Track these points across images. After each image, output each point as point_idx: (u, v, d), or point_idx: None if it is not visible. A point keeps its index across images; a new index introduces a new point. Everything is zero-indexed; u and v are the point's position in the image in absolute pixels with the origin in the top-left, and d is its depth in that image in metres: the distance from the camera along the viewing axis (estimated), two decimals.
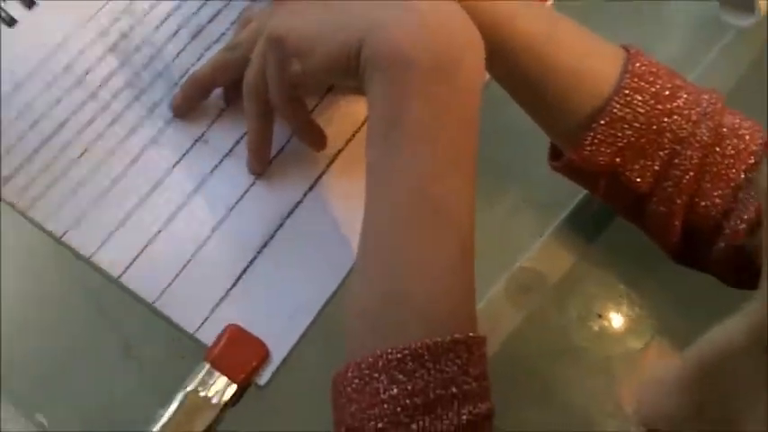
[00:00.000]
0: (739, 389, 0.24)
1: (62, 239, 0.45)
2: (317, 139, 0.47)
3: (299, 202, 0.47)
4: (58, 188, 0.46)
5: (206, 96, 0.48)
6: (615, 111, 0.42)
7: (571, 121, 0.43)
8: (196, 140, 0.47)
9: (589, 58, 0.43)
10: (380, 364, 0.35)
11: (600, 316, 0.52)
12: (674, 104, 0.42)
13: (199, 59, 0.49)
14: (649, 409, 0.26)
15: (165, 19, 0.50)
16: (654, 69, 0.43)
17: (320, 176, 0.47)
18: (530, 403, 0.51)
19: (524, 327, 0.50)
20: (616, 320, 0.52)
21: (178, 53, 0.49)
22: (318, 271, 0.46)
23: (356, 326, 0.38)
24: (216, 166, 0.47)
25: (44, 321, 0.48)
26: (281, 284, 0.45)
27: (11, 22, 0.49)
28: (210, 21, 0.50)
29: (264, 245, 0.46)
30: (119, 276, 0.44)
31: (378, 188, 0.39)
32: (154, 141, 0.47)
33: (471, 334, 0.36)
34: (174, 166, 0.47)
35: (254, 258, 0.45)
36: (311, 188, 0.47)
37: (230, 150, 0.47)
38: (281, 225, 0.46)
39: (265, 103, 0.44)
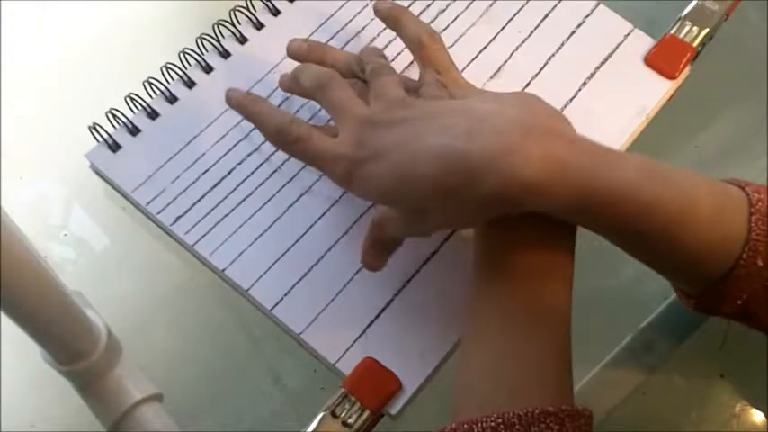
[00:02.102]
0: None
1: (224, 272, 0.50)
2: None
3: (435, 252, 0.51)
4: (222, 226, 0.52)
5: (318, 63, 0.52)
6: (742, 266, 0.40)
7: (695, 281, 0.43)
8: (345, 192, 0.52)
9: (718, 226, 0.41)
10: (475, 430, 0.38)
11: (722, 376, 0.52)
12: None
13: None
14: None
15: None
16: None
17: (455, 230, 0.51)
18: None
19: (647, 384, 0.52)
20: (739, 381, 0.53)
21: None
22: (449, 315, 0.49)
23: (457, 395, 0.42)
24: (361, 215, 0.52)
25: (203, 349, 0.53)
26: (415, 324, 0.49)
27: (190, 84, 0.56)
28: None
29: (402, 287, 0.50)
30: (271, 309, 0.49)
31: (483, 278, 0.43)
32: (308, 190, 0.53)
33: (564, 407, 0.38)
34: (324, 213, 0.52)
35: (392, 299, 0.50)
36: (447, 239, 0.51)
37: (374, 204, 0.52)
38: (417, 271, 0.50)
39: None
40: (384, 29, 0.56)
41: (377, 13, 0.54)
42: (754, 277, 0.40)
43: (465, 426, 0.38)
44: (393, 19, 0.53)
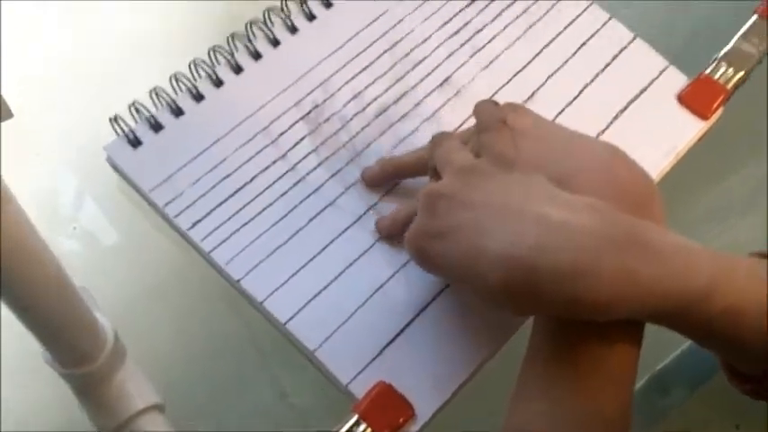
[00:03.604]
0: None
1: (239, 283, 0.49)
2: None
3: None
4: (240, 235, 0.50)
5: (398, 179, 0.52)
6: None
7: (751, 365, 0.42)
8: (370, 207, 0.51)
9: None
10: None
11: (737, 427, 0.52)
12: None
13: (381, 134, 0.54)
14: None
15: (354, 97, 0.55)
16: None
17: None
18: None
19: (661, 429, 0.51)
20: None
21: (363, 128, 0.54)
22: (467, 343, 0.48)
23: None
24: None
25: (208, 358, 0.51)
26: (433, 349, 0.48)
27: (218, 83, 0.54)
28: (395, 102, 0.55)
29: (422, 311, 0.48)
30: (285, 323, 0.48)
31: (539, 365, 0.42)
32: (332, 203, 0.51)
33: None
34: (347, 228, 0.51)
35: (411, 322, 0.48)
36: None
37: None
38: (439, 293, 0.49)
39: None
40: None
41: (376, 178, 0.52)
42: None
43: None
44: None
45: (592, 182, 0.42)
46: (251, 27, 0.56)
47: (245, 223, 0.50)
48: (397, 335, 0.48)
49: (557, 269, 0.37)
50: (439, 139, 0.47)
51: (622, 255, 0.37)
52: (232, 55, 0.55)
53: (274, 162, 0.52)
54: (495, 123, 0.44)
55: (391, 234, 0.50)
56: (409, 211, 0.48)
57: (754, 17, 0.60)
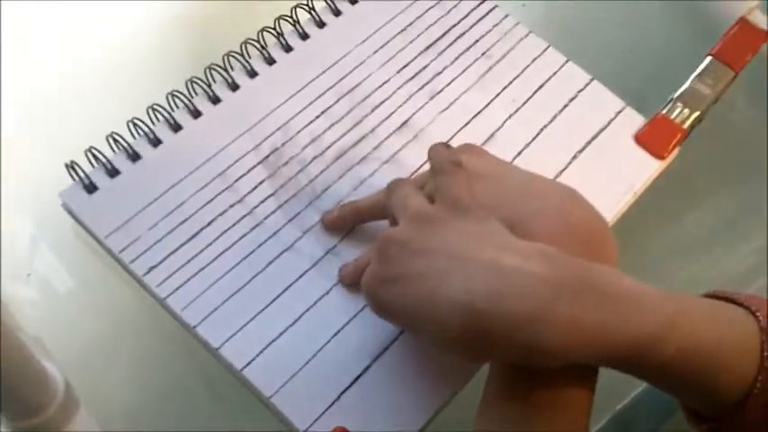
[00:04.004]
0: None
1: (195, 329, 0.48)
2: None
3: None
4: (197, 280, 0.49)
5: (358, 224, 0.52)
6: (757, 395, 0.39)
7: (708, 407, 0.42)
8: (328, 251, 0.51)
9: (737, 359, 0.40)
10: None
11: None
12: None
13: (341, 177, 0.53)
14: None
15: (313, 140, 0.55)
16: None
17: None
18: None
19: None
20: None
21: (322, 171, 0.54)
22: (425, 387, 0.47)
23: None
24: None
25: (164, 404, 0.51)
26: (390, 395, 0.47)
27: (176, 128, 0.54)
28: (354, 145, 0.55)
29: (379, 355, 0.48)
30: (242, 369, 0.47)
31: (496, 403, 0.42)
32: (290, 247, 0.51)
33: None
34: (305, 273, 0.50)
35: (369, 367, 0.48)
36: None
37: None
38: (396, 338, 0.49)
39: None
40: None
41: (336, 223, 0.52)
42: None
43: None
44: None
45: (546, 224, 0.43)
46: (210, 71, 0.56)
47: (202, 269, 0.50)
48: (355, 380, 0.47)
49: (509, 317, 0.37)
50: (395, 184, 0.47)
51: (574, 302, 0.37)
52: (190, 99, 0.55)
53: (232, 206, 0.52)
54: (449, 166, 0.44)
55: (354, 281, 0.50)
56: (363, 205, 0.49)
57: (708, 59, 0.61)
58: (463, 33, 0.60)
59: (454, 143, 0.54)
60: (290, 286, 0.50)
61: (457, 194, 0.43)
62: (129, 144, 0.53)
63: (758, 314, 0.40)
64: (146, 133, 0.53)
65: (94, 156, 0.52)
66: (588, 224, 0.44)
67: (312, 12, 0.59)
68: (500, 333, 0.37)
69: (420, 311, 0.40)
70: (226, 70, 0.56)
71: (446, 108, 0.57)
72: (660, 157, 0.58)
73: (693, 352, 0.39)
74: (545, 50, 0.61)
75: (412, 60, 0.59)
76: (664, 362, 0.39)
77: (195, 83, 0.55)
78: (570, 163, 0.56)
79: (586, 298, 0.38)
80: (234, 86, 0.56)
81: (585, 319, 0.37)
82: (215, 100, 0.55)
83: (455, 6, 0.61)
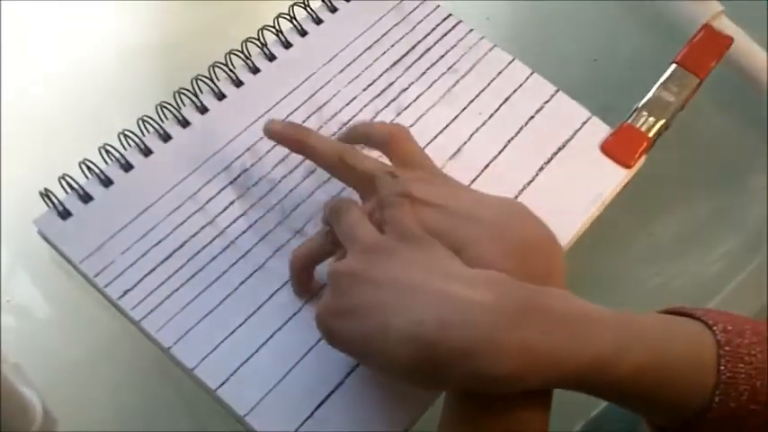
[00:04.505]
0: None
1: (170, 350, 0.49)
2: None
3: None
4: (171, 302, 0.50)
5: (311, 269, 0.51)
6: (716, 409, 0.40)
7: (667, 419, 0.42)
8: None
9: (691, 375, 0.40)
10: None
11: None
12: None
13: (310, 195, 0.54)
14: None
15: (282, 159, 0.56)
16: (739, 339, 0.40)
17: None
18: None
19: None
20: None
21: (291, 190, 0.55)
22: (399, 400, 0.48)
23: None
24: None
25: (144, 429, 0.51)
26: (365, 408, 0.48)
27: (147, 152, 0.55)
28: None
29: (353, 369, 0.49)
30: (216, 389, 0.48)
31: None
32: (261, 267, 0.52)
33: None
34: (276, 292, 0.51)
35: (342, 381, 0.48)
36: None
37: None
38: None
39: None
40: None
41: (277, 137, 0.52)
42: (727, 419, 0.40)
43: None
44: (348, 136, 0.53)
45: (488, 246, 0.43)
46: (179, 95, 0.57)
47: (175, 290, 0.51)
48: (329, 395, 0.48)
49: (458, 347, 0.38)
50: (338, 208, 0.47)
51: (521, 329, 0.38)
52: (160, 124, 0.56)
53: (203, 228, 0.53)
54: (397, 198, 0.45)
55: (305, 266, 0.50)
56: (321, 242, 0.49)
57: (673, 66, 0.62)
58: (429, 49, 0.61)
59: None
60: (262, 305, 0.51)
61: (406, 225, 0.43)
62: (101, 170, 0.54)
63: (714, 328, 0.41)
64: (117, 159, 0.54)
65: (68, 183, 0.53)
66: (529, 237, 0.44)
67: (279, 33, 0.60)
68: (449, 363, 0.38)
69: (371, 343, 0.41)
70: (195, 94, 0.57)
71: (413, 123, 0.58)
72: (627, 165, 0.58)
73: (649, 370, 0.39)
74: (510, 63, 0.62)
75: (379, 77, 0.60)
76: (619, 381, 0.39)
77: (165, 107, 0.56)
78: (537, 174, 0.57)
79: (535, 323, 0.38)
80: (203, 109, 0.57)
81: (535, 345, 0.38)
82: (184, 123, 0.56)
83: (420, 22, 0.62)
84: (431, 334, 0.38)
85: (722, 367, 0.40)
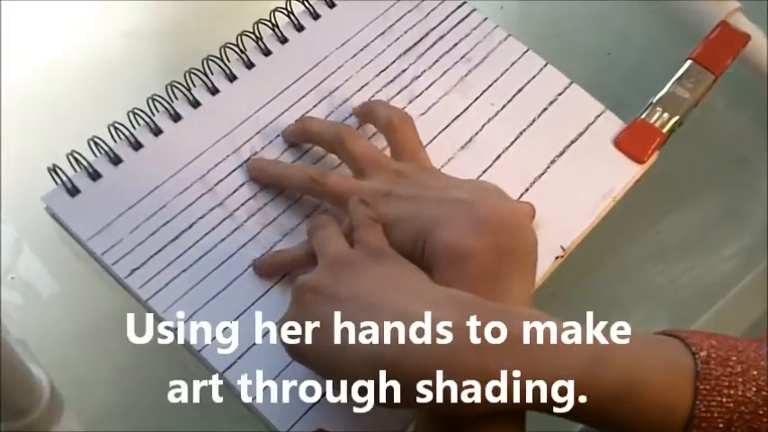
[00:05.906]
0: None
1: (177, 332, 0.49)
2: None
3: None
4: (178, 282, 0.50)
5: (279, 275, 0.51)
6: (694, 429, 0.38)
7: None
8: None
9: (665, 405, 0.38)
10: None
11: None
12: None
13: None
14: None
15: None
16: (716, 356, 0.38)
17: None
18: None
19: None
20: None
21: None
22: None
23: None
24: None
25: (149, 409, 0.51)
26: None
27: (157, 131, 0.55)
28: None
29: None
30: (223, 371, 0.48)
31: None
32: (269, 251, 0.51)
33: None
34: (285, 274, 0.51)
35: None
36: None
37: None
38: None
39: None
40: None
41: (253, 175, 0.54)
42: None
43: None
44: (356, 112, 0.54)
45: (465, 224, 0.44)
46: (189, 75, 0.56)
47: (183, 270, 0.50)
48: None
49: (417, 368, 0.37)
50: (316, 223, 0.48)
51: (483, 352, 0.37)
52: (171, 103, 0.55)
53: (212, 209, 0.52)
54: (368, 221, 0.46)
55: (270, 274, 0.50)
56: (295, 253, 0.50)
57: (688, 62, 0.61)
58: (442, 37, 0.61)
59: (433, 147, 0.55)
60: (270, 289, 0.50)
61: (373, 243, 0.44)
62: (110, 148, 0.53)
63: (694, 348, 0.39)
64: (126, 137, 0.54)
65: (77, 160, 0.53)
66: (501, 214, 0.44)
67: (291, 15, 0.59)
68: (408, 384, 0.37)
69: (330, 360, 0.40)
70: (206, 74, 0.56)
71: (425, 112, 0.58)
72: (640, 161, 0.58)
73: (617, 398, 0.38)
74: (524, 54, 0.61)
75: (391, 64, 0.59)
76: (582, 408, 0.37)
77: (175, 87, 0.55)
78: (549, 167, 0.57)
79: (497, 347, 0.37)
80: (214, 90, 0.56)
81: (494, 370, 0.37)
82: (195, 104, 0.56)
83: (434, 9, 0.62)
84: (388, 356, 0.37)
85: (700, 386, 0.37)
